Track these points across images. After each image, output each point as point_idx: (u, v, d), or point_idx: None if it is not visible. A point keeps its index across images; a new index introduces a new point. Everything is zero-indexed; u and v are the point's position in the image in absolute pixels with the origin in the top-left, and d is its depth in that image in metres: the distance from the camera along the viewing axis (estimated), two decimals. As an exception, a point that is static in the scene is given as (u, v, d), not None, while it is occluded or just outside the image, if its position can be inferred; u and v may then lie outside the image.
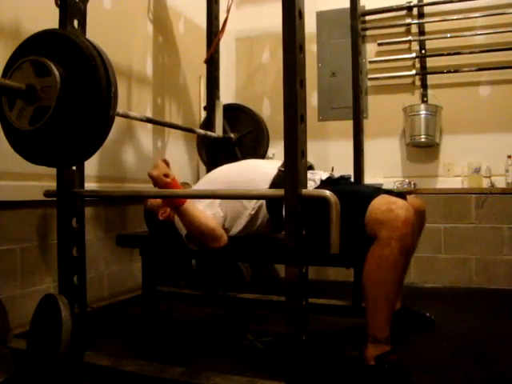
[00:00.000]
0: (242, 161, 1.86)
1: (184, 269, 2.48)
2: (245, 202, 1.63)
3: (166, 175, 1.57)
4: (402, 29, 3.05)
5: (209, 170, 2.32)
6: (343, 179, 1.80)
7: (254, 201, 1.61)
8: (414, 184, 2.91)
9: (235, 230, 1.66)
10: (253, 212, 1.62)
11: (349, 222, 1.23)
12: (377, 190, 1.56)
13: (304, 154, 1.17)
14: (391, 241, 1.30)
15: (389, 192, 1.58)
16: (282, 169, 1.62)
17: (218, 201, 1.65)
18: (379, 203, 1.37)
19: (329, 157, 3.13)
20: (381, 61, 3.06)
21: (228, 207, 1.64)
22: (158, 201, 1.79)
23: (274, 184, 1.59)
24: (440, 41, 2.92)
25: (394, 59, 3.03)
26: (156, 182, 1.56)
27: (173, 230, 1.79)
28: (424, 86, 2.98)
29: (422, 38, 2.98)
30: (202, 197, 1.56)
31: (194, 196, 1.59)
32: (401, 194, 1.63)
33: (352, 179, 2.55)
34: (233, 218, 1.65)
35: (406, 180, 2.94)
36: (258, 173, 1.69)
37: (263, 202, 1.60)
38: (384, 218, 1.32)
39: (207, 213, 1.60)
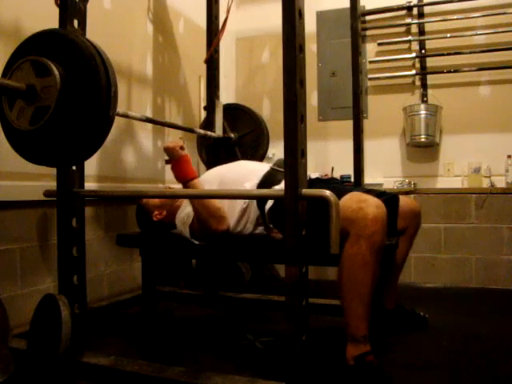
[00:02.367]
0: (234, 162, 1.88)
1: (184, 269, 2.48)
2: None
3: (182, 148, 1.60)
4: (402, 29, 3.05)
5: (209, 169, 2.33)
6: (333, 180, 1.80)
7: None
8: (414, 184, 2.91)
9: (231, 224, 1.66)
10: (244, 206, 1.64)
11: (323, 220, 1.22)
12: (366, 192, 1.55)
13: (304, 154, 1.17)
14: (360, 239, 1.30)
15: (381, 194, 1.58)
16: (275, 167, 1.65)
17: None
18: (350, 201, 1.37)
19: (329, 157, 3.13)
20: (381, 61, 3.06)
21: (222, 202, 1.65)
22: (156, 200, 1.79)
23: (265, 179, 1.63)
24: (440, 41, 2.92)
25: (394, 59, 3.03)
26: (171, 153, 1.59)
27: (163, 229, 1.80)
28: (424, 85, 2.98)
29: (422, 37, 2.98)
30: (204, 197, 1.56)
31: (196, 196, 1.59)
32: (393, 197, 1.62)
33: (352, 179, 2.55)
34: (227, 212, 1.66)
35: (406, 180, 2.94)
36: (248, 170, 1.72)
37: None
38: (353, 216, 1.32)
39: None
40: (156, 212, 1.79)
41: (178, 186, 2.04)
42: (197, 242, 1.65)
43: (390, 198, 1.63)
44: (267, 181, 1.62)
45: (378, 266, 1.35)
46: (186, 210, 1.66)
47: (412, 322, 1.88)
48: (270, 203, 1.56)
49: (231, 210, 1.65)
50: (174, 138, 2.66)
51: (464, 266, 2.74)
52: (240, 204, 1.64)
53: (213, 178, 1.75)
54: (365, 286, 1.32)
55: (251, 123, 2.55)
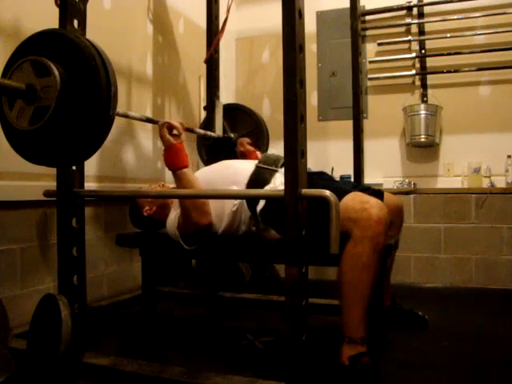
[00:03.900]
0: (219, 162, 1.87)
1: (184, 269, 2.48)
2: (223, 201, 1.64)
3: (170, 129, 1.61)
4: (402, 29, 3.05)
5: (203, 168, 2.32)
6: (322, 174, 1.78)
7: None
8: (414, 184, 2.91)
9: (220, 227, 1.66)
10: (234, 209, 1.62)
11: (320, 219, 1.21)
12: (354, 188, 1.55)
13: (304, 153, 1.17)
14: (364, 240, 1.30)
15: (366, 190, 1.58)
16: (260, 165, 1.63)
17: None
18: (353, 201, 1.37)
19: (329, 157, 3.13)
20: (381, 61, 3.06)
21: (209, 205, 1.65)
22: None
23: (252, 179, 1.61)
24: (440, 41, 2.92)
25: (394, 59, 3.03)
26: (162, 139, 1.62)
27: (153, 226, 1.80)
28: (424, 85, 2.98)
29: (421, 37, 2.98)
30: (202, 197, 1.56)
31: (194, 196, 1.59)
32: (378, 192, 1.63)
33: (352, 179, 2.55)
34: (216, 215, 1.65)
35: (406, 180, 2.94)
36: (234, 170, 1.70)
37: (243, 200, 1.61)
38: (357, 216, 1.32)
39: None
40: (146, 207, 1.79)
41: (172, 185, 2.04)
42: (186, 247, 1.62)
43: (375, 193, 1.62)
44: (255, 181, 1.59)
45: (379, 266, 1.35)
46: (174, 213, 1.66)
47: (410, 319, 1.88)
48: (261, 204, 1.55)
49: (220, 214, 1.64)
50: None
51: (464, 266, 2.74)
52: (229, 207, 1.62)
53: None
54: (366, 286, 1.32)
55: (251, 123, 2.54)
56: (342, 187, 1.53)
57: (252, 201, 1.58)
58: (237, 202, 1.62)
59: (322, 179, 1.68)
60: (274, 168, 1.62)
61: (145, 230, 1.91)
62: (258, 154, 2.15)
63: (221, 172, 1.74)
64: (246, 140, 2.24)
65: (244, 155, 2.21)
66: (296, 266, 1.15)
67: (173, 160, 1.61)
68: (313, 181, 1.47)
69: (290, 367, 1.16)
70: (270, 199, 1.49)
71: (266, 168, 1.63)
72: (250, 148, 2.19)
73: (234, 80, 3.41)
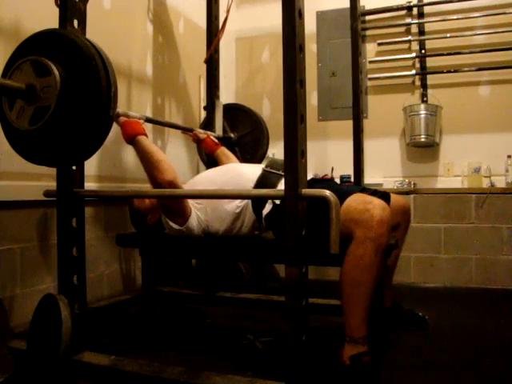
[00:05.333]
0: (225, 165, 1.87)
1: (184, 269, 2.48)
2: (225, 202, 1.64)
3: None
4: (402, 29, 3.06)
5: (208, 169, 2.32)
6: (328, 180, 1.80)
7: (238, 200, 1.63)
8: (414, 184, 2.91)
9: (221, 228, 1.66)
10: (238, 210, 1.63)
11: (322, 220, 1.21)
12: (361, 190, 1.56)
13: (304, 153, 1.17)
14: (366, 240, 1.30)
15: (373, 193, 1.58)
16: (267, 169, 1.64)
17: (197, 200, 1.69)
18: (355, 202, 1.37)
19: (329, 157, 3.13)
20: (381, 61, 3.06)
21: (208, 205, 1.66)
22: (146, 202, 1.79)
23: (259, 183, 1.61)
24: (440, 41, 2.92)
25: (394, 59, 3.03)
26: (117, 123, 1.66)
27: (161, 228, 1.80)
28: (424, 85, 2.98)
29: (421, 37, 2.98)
30: (203, 197, 1.56)
31: (195, 196, 1.59)
32: (384, 194, 1.63)
33: (352, 179, 2.55)
34: (217, 216, 1.66)
35: (406, 180, 2.94)
36: (240, 173, 1.71)
37: (249, 202, 1.61)
38: (359, 217, 1.32)
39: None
40: (149, 216, 1.79)
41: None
42: (176, 227, 1.64)
43: (382, 196, 1.63)
44: (262, 185, 1.59)
45: (381, 267, 1.35)
46: None
47: (410, 320, 1.88)
48: (267, 208, 1.55)
49: (222, 215, 1.65)
50: (173, 138, 2.66)
51: (464, 266, 2.74)
52: (232, 208, 1.62)
53: (202, 182, 1.75)
54: (368, 287, 1.32)
55: (251, 123, 2.55)
56: (346, 189, 1.54)
57: (258, 204, 1.58)
58: (240, 204, 1.62)
59: (326, 184, 1.68)
60: (281, 173, 1.62)
61: (153, 233, 1.90)
62: (212, 137, 2.23)
63: (227, 175, 1.74)
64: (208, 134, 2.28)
65: (200, 145, 2.29)
66: (296, 266, 1.15)
67: (132, 128, 1.64)
68: (317, 185, 1.47)
69: (290, 367, 1.16)
70: (278, 205, 1.49)
71: (273, 172, 1.64)
72: (202, 136, 2.24)
73: (233, 80, 3.42)
